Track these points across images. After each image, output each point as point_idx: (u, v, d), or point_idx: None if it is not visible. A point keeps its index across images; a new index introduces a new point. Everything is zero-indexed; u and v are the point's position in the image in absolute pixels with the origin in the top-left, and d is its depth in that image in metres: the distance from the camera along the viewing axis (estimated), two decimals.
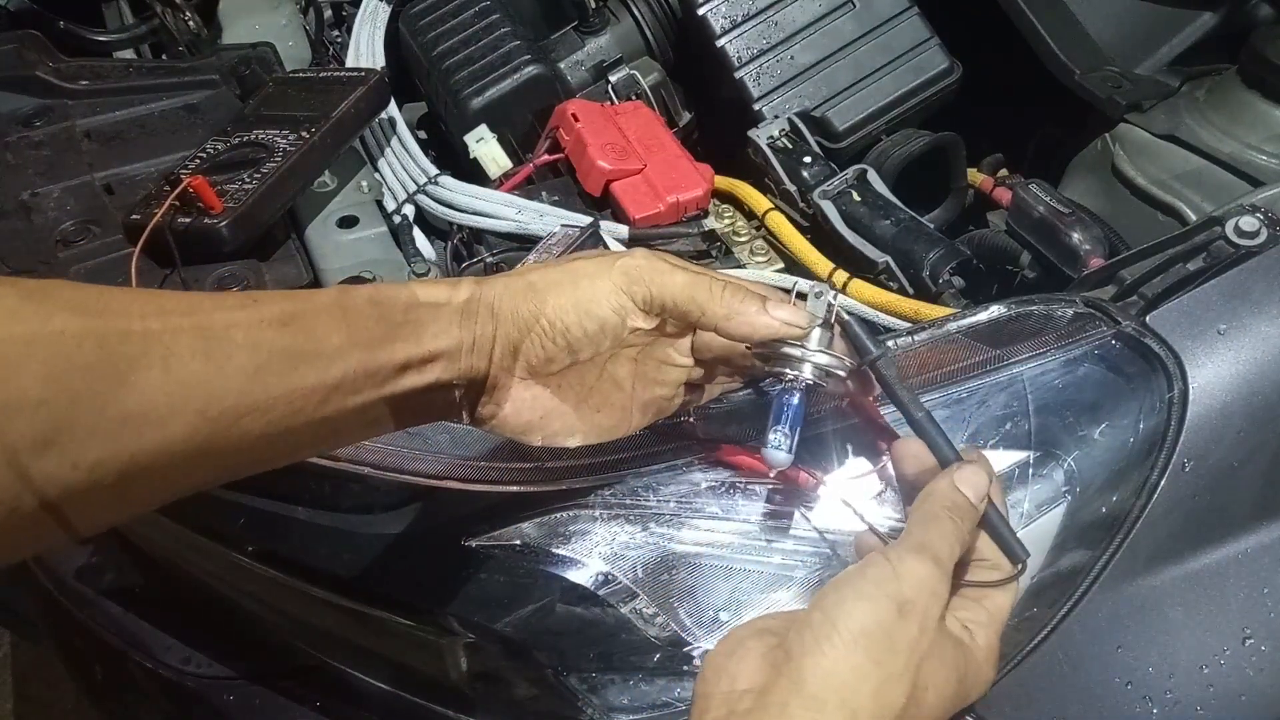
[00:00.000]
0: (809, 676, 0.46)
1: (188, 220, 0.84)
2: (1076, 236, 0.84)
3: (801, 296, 0.59)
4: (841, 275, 0.89)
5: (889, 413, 0.66)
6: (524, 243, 0.93)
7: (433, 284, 0.56)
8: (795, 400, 0.59)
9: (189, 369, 0.46)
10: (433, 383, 0.54)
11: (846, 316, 0.59)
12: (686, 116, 1.13)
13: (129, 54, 1.21)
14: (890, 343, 0.71)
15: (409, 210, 0.99)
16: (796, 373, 0.59)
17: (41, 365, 0.42)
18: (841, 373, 0.59)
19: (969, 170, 1.06)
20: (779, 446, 0.58)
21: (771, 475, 0.65)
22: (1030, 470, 0.67)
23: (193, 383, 0.46)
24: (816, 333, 0.59)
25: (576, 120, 1.00)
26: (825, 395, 0.63)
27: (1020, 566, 0.55)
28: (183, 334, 0.46)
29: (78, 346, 0.43)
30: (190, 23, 1.16)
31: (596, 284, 0.57)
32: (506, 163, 1.04)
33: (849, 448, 0.66)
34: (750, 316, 0.58)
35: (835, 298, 0.60)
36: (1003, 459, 0.66)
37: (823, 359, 0.58)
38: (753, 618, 0.53)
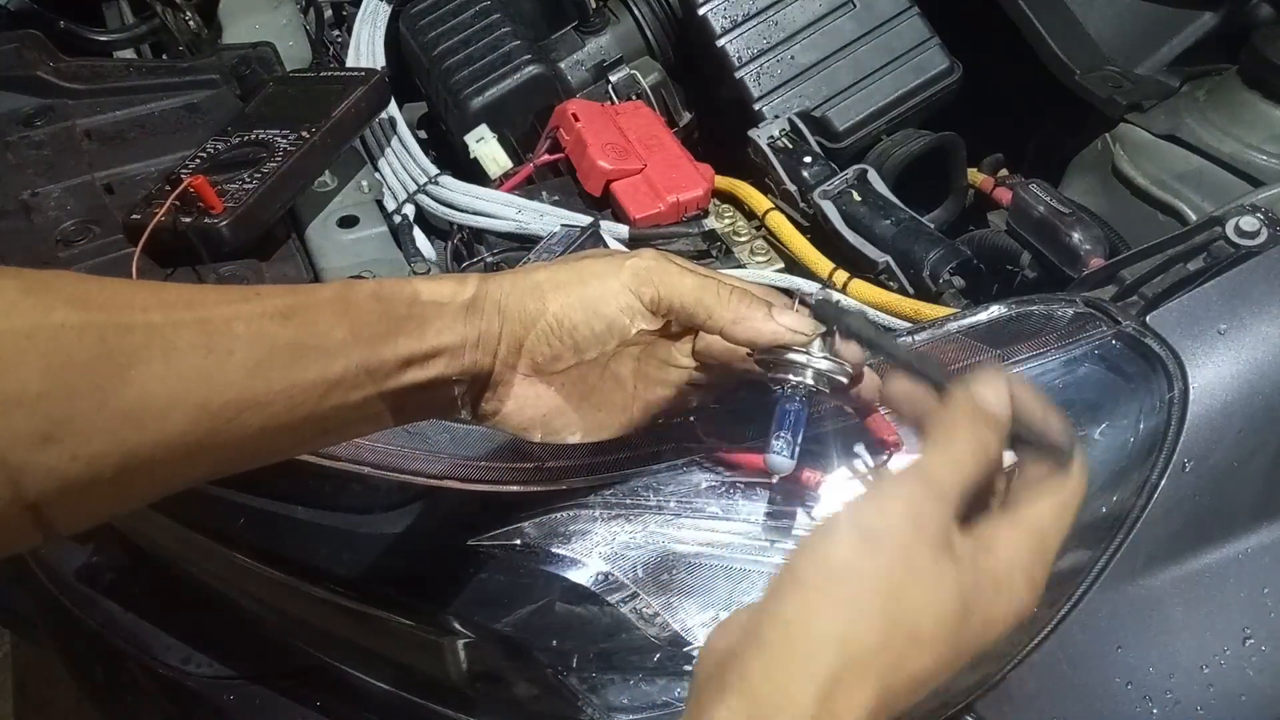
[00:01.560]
0: (765, 627, 0.44)
1: (188, 220, 0.84)
2: (1077, 236, 0.84)
3: (805, 303, 0.60)
4: (842, 275, 0.89)
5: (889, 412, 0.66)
6: (524, 243, 0.93)
7: (437, 280, 0.56)
8: (798, 406, 0.59)
9: (190, 362, 0.45)
10: (435, 378, 0.54)
11: (808, 291, 0.58)
12: (687, 116, 1.13)
13: (129, 54, 1.21)
14: (869, 324, 0.70)
15: (409, 210, 0.99)
16: (799, 379, 0.59)
17: (41, 359, 0.42)
18: (844, 379, 0.59)
19: (969, 170, 1.06)
20: (781, 452, 0.58)
21: (774, 479, 0.65)
22: None
23: (193, 376, 0.46)
24: (818, 339, 0.59)
25: (577, 120, 1.00)
26: (829, 399, 0.63)
27: (1066, 459, 0.49)
28: (184, 327, 0.46)
29: (78, 340, 0.43)
30: (190, 22, 1.16)
31: (605, 283, 0.57)
32: (507, 162, 1.04)
33: (849, 448, 0.66)
34: (756, 322, 0.58)
35: (839, 307, 0.60)
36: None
37: (825, 365, 0.58)
38: None
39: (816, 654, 0.43)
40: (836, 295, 0.87)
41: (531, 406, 0.59)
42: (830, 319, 0.58)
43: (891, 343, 0.55)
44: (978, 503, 0.49)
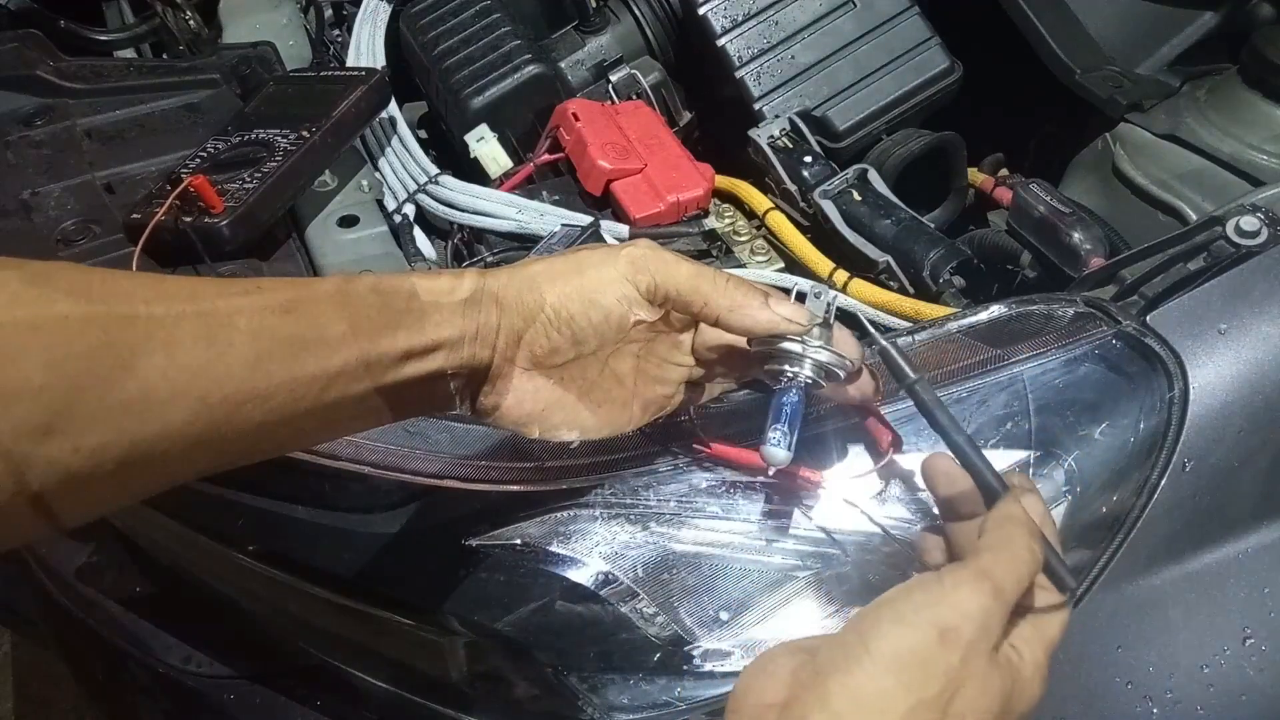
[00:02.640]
0: (834, 695, 0.45)
1: (189, 219, 0.84)
2: (1077, 236, 0.84)
3: (801, 297, 0.59)
4: (842, 275, 0.89)
5: (891, 412, 0.66)
6: (524, 242, 0.93)
7: (436, 274, 0.56)
8: (795, 398, 0.59)
9: (191, 355, 0.46)
10: (434, 371, 0.54)
11: (885, 343, 0.58)
12: (687, 116, 1.13)
13: (130, 53, 1.21)
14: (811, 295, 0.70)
15: (409, 209, 0.99)
16: (796, 370, 0.59)
17: (44, 351, 0.42)
18: (841, 371, 0.59)
19: (969, 170, 1.06)
20: (778, 444, 0.58)
21: (770, 474, 0.65)
22: (1031, 470, 0.67)
23: (194, 369, 0.46)
24: (816, 330, 0.59)
25: (577, 120, 1.00)
26: (829, 395, 0.63)
27: (1070, 595, 0.54)
28: (186, 320, 0.46)
29: (80, 332, 0.43)
30: (191, 22, 1.16)
31: (602, 273, 0.58)
32: (507, 162, 1.04)
33: (849, 447, 0.66)
34: (753, 310, 0.58)
35: (835, 299, 0.60)
36: (1003, 459, 0.66)
37: (823, 356, 0.58)
38: (790, 640, 0.52)
39: None
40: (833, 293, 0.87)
41: (530, 401, 0.59)
42: (897, 377, 0.58)
43: (953, 422, 0.56)
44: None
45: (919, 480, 0.62)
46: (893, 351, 0.58)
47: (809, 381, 0.59)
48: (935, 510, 0.61)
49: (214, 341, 0.46)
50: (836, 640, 0.48)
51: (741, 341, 0.61)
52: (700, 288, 0.58)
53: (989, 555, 0.50)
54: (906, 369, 0.58)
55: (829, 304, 0.59)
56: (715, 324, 0.59)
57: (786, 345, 0.58)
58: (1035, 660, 0.51)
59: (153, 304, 0.45)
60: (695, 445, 0.66)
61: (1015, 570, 0.50)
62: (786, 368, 0.59)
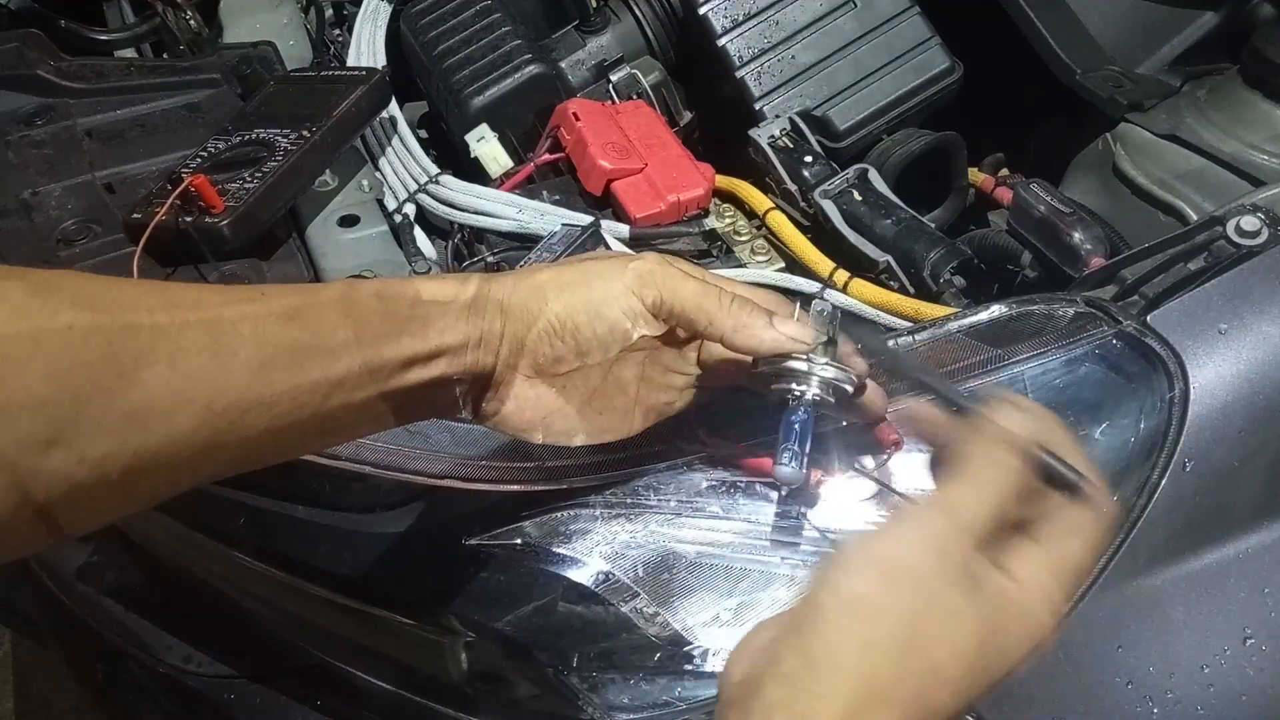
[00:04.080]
0: (784, 657, 0.44)
1: (189, 219, 0.84)
2: (1077, 236, 0.84)
3: (806, 306, 0.59)
4: (842, 275, 0.89)
5: (897, 411, 0.66)
6: (525, 242, 0.93)
7: (440, 279, 0.56)
8: (804, 416, 0.58)
9: (195, 364, 0.46)
10: (437, 377, 0.54)
11: (808, 292, 0.57)
12: (687, 116, 1.13)
13: (130, 53, 1.21)
14: (890, 343, 0.71)
15: (410, 209, 0.99)
16: (804, 388, 0.59)
17: (47, 362, 0.42)
18: (849, 388, 0.59)
19: (970, 170, 1.06)
20: (789, 463, 0.58)
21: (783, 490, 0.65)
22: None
23: (198, 378, 0.46)
24: (821, 348, 0.59)
25: (577, 119, 1.00)
26: (839, 412, 0.62)
27: (1078, 495, 0.49)
28: (190, 328, 0.46)
29: (85, 342, 0.43)
30: (191, 22, 1.16)
31: (608, 285, 0.57)
32: (507, 162, 1.04)
33: (850, 447, 0.66)
34: (757, 330, 0.57)
35: (839, 315, 0.60)
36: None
37: (829, 373, 0.58)
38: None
39: (837, 688, 0.43)
40: (833, 300, 0.87)
41: (532, 408, 0.59)
42: (839, 330, 0.57)
43: (909, 359, 0.54)
44: (1001, 530, 0.48)
45: (919, 480, 0.62)
46: (836, 310, 0.56)
47: (817, 399, 0.59)
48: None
49: (218, 350, 0.46)
50: (794, 607, 0.46)
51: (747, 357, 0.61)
52: (705, 306, 0.57)
53: (948, 480, 0.47)
54: (851, 327, 0.56)
55: (833, 320, 0.59)
56: (720, 343, 0.58)
57: (792, 364, 0.58)
58: (1038, 584, 0.47)
59: (156, 313, 0.45)
60: (699, 446, 0.66)
61: (976, 488, 0.46)
62: (793, 386, 0.59)
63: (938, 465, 0.55)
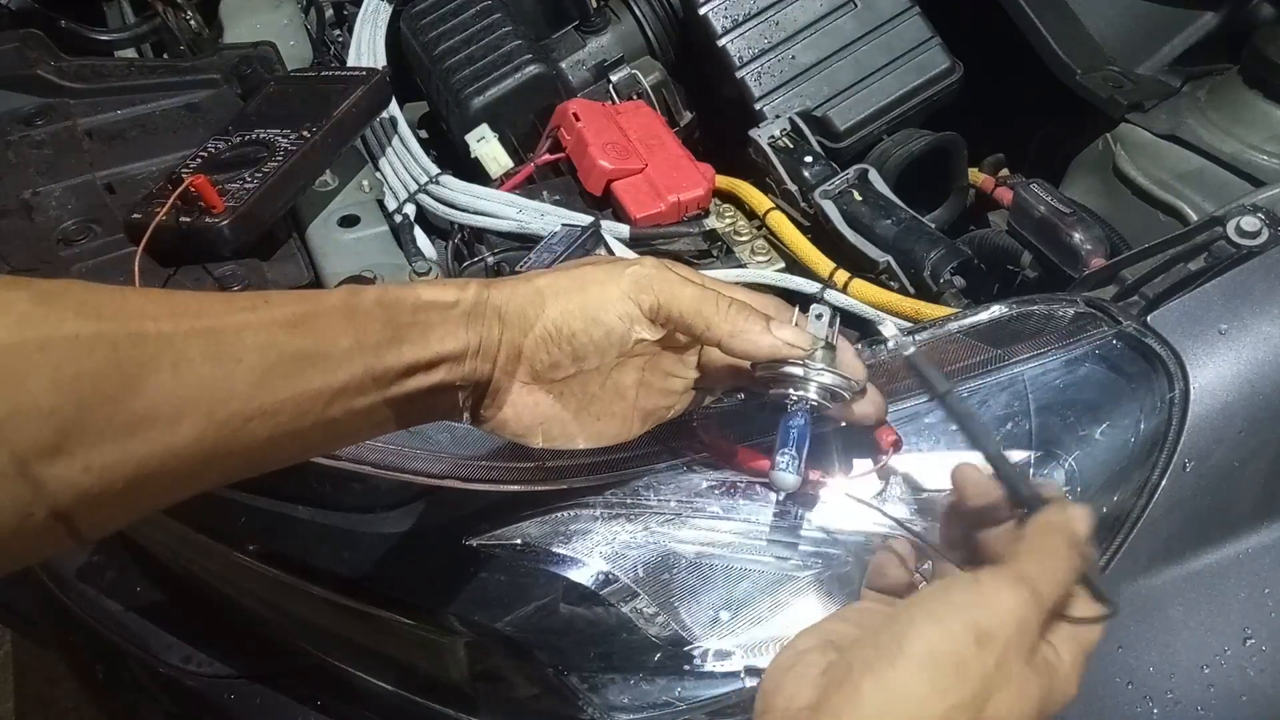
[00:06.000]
0: (867, 695, 0.44)
1: (189, 219, 0.84)
2: (1078, 236, 0.84)
3: (806, 309, 0.59)
4: (842, 275, 0.89)
5: (892, 412, 0.66)
6: (525, 242, 0.93)
7: (440, 285, 0.56)
8: (801, 421, 0.58)
9: (198, 372, 0.46)
10: (437, 384, 0.54)
11: (911, 350, 0.56)
12: (688, 116, 1.13)
13: (130, 53, 1.21)
14: (891, 343, 0.71)
15: (410, 209, 0.99)
16: (801, 393, 0.58)
17: (53, 371, 0.42)
18: (846, 392, 0.59)
19: (970, 170, 1.06)
20: (786, 468, 0.58)
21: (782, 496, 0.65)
22: (1031, 470, 0.67)
23: (202, 386, 0.46)
24: (819, 353, 0.59)
25: (578, 119, 1.00)
26: (837, 416, 0.62)
27: (1110, 608, 0.53)
28: (194, 337, 0.46)
29: (90, 351, 0.43)
30: (192, 22, 1.16)
31: (605, 290, 0.57)
32: (508, 162, 1.04)
33: (849, 447, 0.66)
34: (754, 335, 0.57)
35: (837, 320, 0.60)
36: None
37: (827, 378, 0.58)
38: (818, 621, 0.51)
39: None
40: (833, 300, 0.87)
41: (529, 414, 0.59)
42: (928, 389, 0.57)
43: (986, 434, 0.54)
44: None
45: (919, 480, 0.62)
46: (922, 365, 0.56)
47: (815, 404, 0.59)
48: (942, 512, 0.60)
49: (221, 359, 0.46)
50: (869, 639, 0.47)
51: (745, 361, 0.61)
52: (703, 311, 0.58)
53: (1029, 559, 0.49)
54: (937, 381, 0.56)
55: (831, 325, 0.59)
56: (718, 347, 0.59)
57: (790, 369, 0.58)
58: (1073, 660, 0.50)
59: (160, 321, 0.45)
60: (702, 446, 0.66)
61: (1055, 575, 0.49)
62: (791, 391, 0.59)
63: (981, 524, 0.56)
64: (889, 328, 0.60)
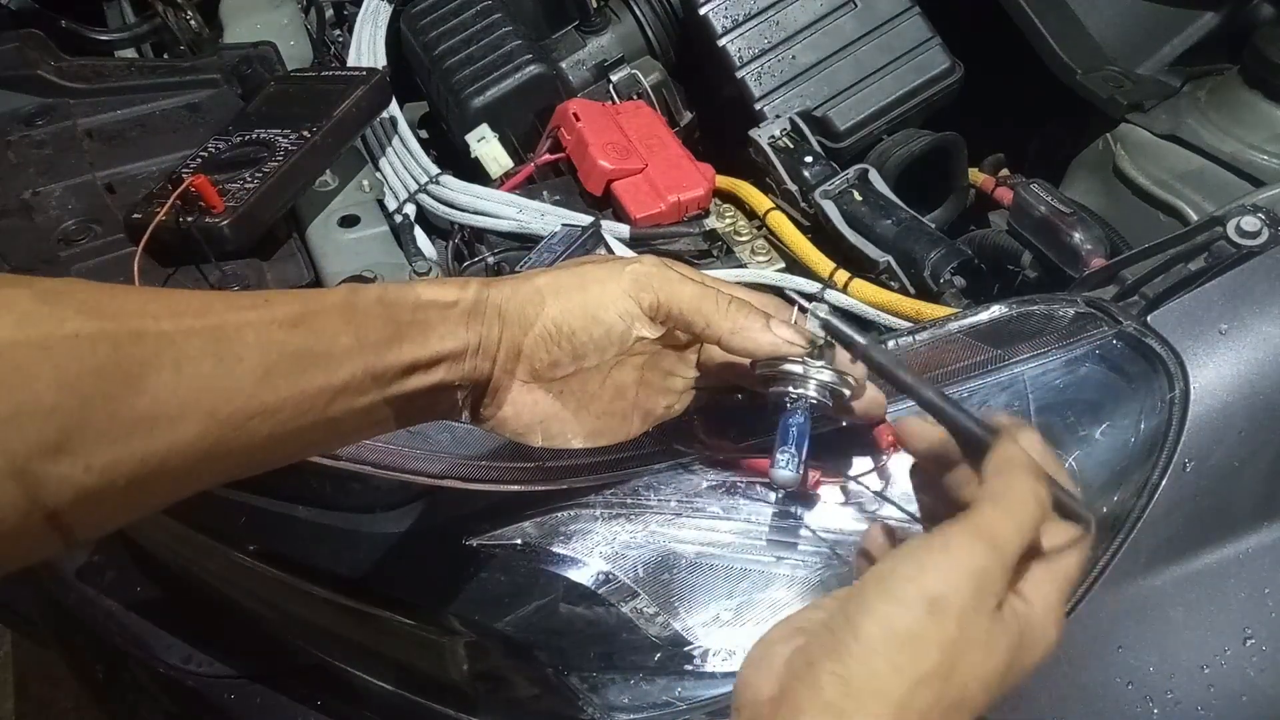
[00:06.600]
0: (826, 685, 0.44)
1: (190, 219, 0.84)
2: (1078, 236, 0.84)
3: (815, 314, 0.59)
4: (843, 275, 0.89)
5: (892, 413, 0.66)
6: (525, 242, 0.93)
7: (440, 284, 0.56)
8: (800, 419, 0.58)
9: (200, 370, 0.46)
10: (437, 384, 0.55)
11: (825, 315, 0.56)
12: (688, 116, 1.13)
13: (130, 53, 1.21)
14: (891, 343, 0.71)
15: (410, 209, 0.99)
16: (800, 391, 0.58)
17: (55, 370, 0.42)
18: (846, 391, 0.59)
19: (970, 170, 1.06)
20: (786, 467, 0.58)
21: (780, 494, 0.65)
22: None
23: (203, 384, 0.46)
24: (819, 351, 0.59)
25: (578, 119, 1.00)
26: (837, 415, 0.62)
27: (1085, 527, 0.50)
28: (195, 335, 0.46)
29: (91, 350, 0.43)
30: (192, 22, 1.16)
31: (605, 289, 0.57)
32: (508, 162, 1.04)
33: (849, 447, 0.66)
34: (754, 333, 0.58)
35: (829, 311, 0.60)
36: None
37: (825, 376, 0.58)
38: (791, 614, 0.50)
39: (879, 716, 0.43)
40: (834, 300, 0.87)
41: (529, 413, 0.59)
42: (845, 344, 0.56)
43: (919, 380, 0.52)
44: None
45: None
46: (835, 321, 0.55)
47: (814, 402, 0.59)
48: (912, 478, 0.59)
49: (222, 357, 0.47)
50: (826, 623, 0.46)
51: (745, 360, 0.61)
52: (703, 309, 0.58)
53: (986, 506, 0.47)
54: (854, 335, 0.54)
55: (830, 324, 0.59)
56: (717, 345, 0.59)
57: (789, 367, 0.58)
58: (1047, 603, 0.48)
59: (162, 320, 0.46)
60: (699, 446, 0.66)
61: (1016, 518, 0.47)
62: (790, 389, 0.59)
63: (941, 470, 0.55)
64: (820, 307, 0.58)
